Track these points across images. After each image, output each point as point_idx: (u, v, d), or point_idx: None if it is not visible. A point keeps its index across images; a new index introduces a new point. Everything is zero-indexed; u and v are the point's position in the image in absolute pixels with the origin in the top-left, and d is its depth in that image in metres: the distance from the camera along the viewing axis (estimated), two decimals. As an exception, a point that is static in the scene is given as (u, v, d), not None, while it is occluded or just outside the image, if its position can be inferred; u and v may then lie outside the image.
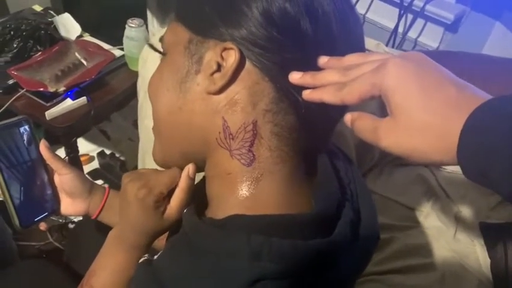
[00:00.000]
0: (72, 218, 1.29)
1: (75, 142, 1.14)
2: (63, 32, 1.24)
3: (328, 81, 0.36)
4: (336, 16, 0.38)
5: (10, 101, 1.03)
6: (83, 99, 1.07)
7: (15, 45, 1.15)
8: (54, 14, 1.30)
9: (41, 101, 1.05)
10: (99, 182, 1.47)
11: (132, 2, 1.35)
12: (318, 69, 0.37)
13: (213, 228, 0.36)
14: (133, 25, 1.12)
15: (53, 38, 1.21)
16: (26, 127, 0.56)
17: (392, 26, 1.45)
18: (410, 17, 1.44)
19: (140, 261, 0.45)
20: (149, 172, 0.48)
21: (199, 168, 0.46)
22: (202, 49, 0.38)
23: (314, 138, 0.41)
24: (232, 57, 0.36)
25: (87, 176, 0.64)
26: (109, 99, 1.13)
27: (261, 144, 0.38)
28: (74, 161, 1.15)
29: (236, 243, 0.34)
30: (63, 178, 0.59)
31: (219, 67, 0.37)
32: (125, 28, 1.13)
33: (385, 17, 1.49)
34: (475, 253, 0.84)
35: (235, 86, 0.37)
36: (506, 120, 0.27)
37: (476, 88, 0.31)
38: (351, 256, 0.40)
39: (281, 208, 0.38)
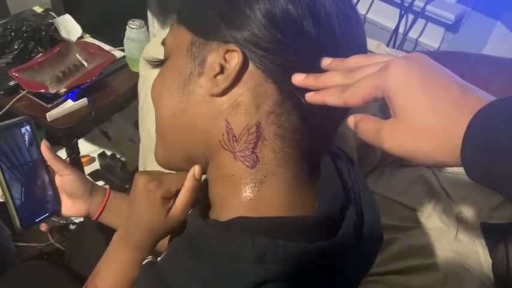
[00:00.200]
0: (73, 219, 1.28)
1: (76, 143, 1.14)
2: (63, 33, 1.24)
3: (331, 83, 0.36)
4: (339, 17, 0.37)
5: (11, 103, 1.03)
6: (83, 101, 1.07)
7: (16, 47, 1.15)
8: (55, 15, 1.30)
9: (41, 103, 1.05)
10: (100, 183, 1.47)
11: (133, 3, 1.35)
12: (321, 70, 0.37)
13: (218, 230, 0.36)
14: (134, 26, 1.12)
15: (53, 39, 1.21)
16: (28, 128, 0.56)
17: (393, 26, 1.45)
18: (411, 17, 1.44)
19: (144, 262, 0.45)
20: (162, 172, 0.49)
21: (202, 171, 0.46)
22: (205, 51, 0.38)
23: (317, 140, 0.41)
24: (235, 59, 0.36)
25: (88, 177, 0.64)
26: (110, 101, 1.13)
27: (265, 146, 0.38)
28: (75, 162, 1.15)
29: (240, 246, 0.34)
30: (64, 179, 0.59)
31: (222, 69, 0.37)
32: (125, 29, 1.14)
33: (385, 17, 1.49)
34: (477, 254, 0.84)
35: (238, 88, 0.37)
36: (511, 121, 0.27)
37: (480, 90, 0.31)
38: (354, 258, 0.40)
39: (285, 210, 0.38)
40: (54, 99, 1.05)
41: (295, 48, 0.36)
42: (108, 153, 1.53)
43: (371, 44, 1.05)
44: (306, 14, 0.36)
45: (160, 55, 0.44)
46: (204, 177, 0.46)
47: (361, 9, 1.51)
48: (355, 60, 0.36)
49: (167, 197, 0.47)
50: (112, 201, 0.63)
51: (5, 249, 0.95)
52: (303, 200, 0.39)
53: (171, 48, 0.42)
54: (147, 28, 1.18)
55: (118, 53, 1.22)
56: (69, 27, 1.26)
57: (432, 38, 1.44)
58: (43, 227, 1.30)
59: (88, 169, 1.51)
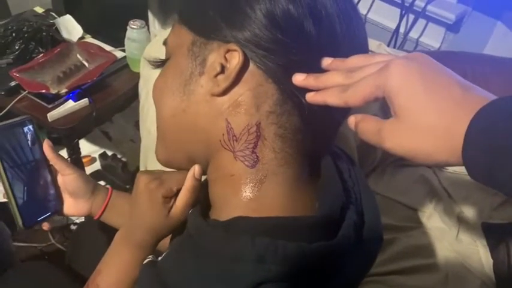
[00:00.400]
0: (74, 219, 1.28)
1: (77, 143, 1.14)
2: (64, 34, 1.24)
3: (331, 83, 0.36)
4: (340, 17, 0.37)
5: (12, 103, 1.03)
6: (84, 101, 1.07)
7: (17, 47, 1.15)
8: (56, 16, 1.30)
9: (43, 103, 1.05)
10: (101, 183, 1.46)
11: (134, 4, 1.35)
12: (321, 70, 0.37)
13: (217, 230, 0.36)
14: (134, 26, 1.12)
15: (54, 39, 1.21)
16: (30, 127, 0.56)
17: (393, 26, 1.45)
18: (411, 17, 1.44)
19: (145, 262, 0.45)
20: (164, 172, 0.49)
21: (203, 170, 0.46)
22: (206, 51, 0.38)
23: (318, 140, 0.41)
24: (235, 59, 0.36)
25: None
26: (111, 101, 1.13)
27: (265, 146, 0.38)
28: (76, 162, 1.15)
29: (240, 246, 0.34)
30: (66, 178, 0.59)
31: (223, 69, 0.37)
32: (126, 29, 1.14)
33: (386, 17, 1.49)
34: (478, 254, 0.84)
35: (238, 88, 0.37)
36: (511, 120, 0.27)
37: (481, 89, 0.31)
38: (355, 258, 0.40)
39: (285, 210, 0.38)
40: (55, 100, 1.05)
41: (296, 48, 0.36)
42: (109, 153, 1.53)
43: (372, 44, 1.05)
44: (307, 14, 0.36)
45: (161, 55, 0.44)
46: (204, 177, 0.46)
47: (362, 9, 1.51)
48: (355, 60, 0.36)
49: (168, 196, 0.47)
50: (114, 200, 0.63)
51: (5, 249, 0.95)
52: (303, 200, 0.39)
53: (173, 48, 0.42)
54: (148, 28, 1.18)
55: (119, 54, 1.22)
56: (70, 27, 1.26)
57: (433, 38, 1.44)
58: (45, 226, 1.30)
59: (89, 169, 1.51)
